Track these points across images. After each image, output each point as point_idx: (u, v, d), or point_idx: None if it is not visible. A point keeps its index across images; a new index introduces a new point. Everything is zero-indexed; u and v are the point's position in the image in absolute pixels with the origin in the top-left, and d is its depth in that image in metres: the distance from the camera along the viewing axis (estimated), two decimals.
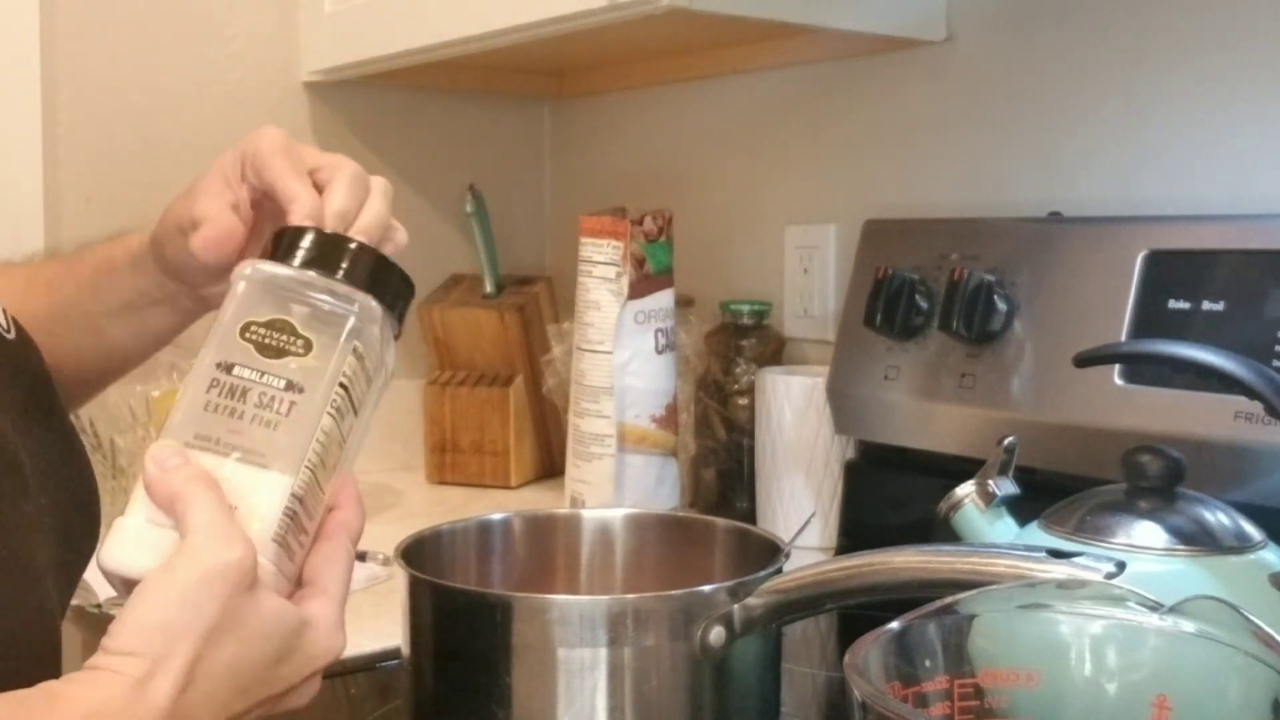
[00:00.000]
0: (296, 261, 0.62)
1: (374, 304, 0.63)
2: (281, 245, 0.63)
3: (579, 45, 1.37)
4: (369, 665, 0.90)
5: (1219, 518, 0.71)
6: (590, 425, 1.12)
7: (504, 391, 1.46)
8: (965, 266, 1.03)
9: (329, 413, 0.60)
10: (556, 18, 1.12)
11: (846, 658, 0.49)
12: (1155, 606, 0.52)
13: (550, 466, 1.50)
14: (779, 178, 1.39)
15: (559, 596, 0.77)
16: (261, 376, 0.59)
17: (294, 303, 0.61)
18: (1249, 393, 0.70)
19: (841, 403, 1.14)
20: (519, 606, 0.68)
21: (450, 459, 1.49)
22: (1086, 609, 0.54)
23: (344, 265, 0.62)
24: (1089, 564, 0.58)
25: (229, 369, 0.59)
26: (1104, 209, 1.06)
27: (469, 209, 1.54)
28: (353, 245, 0.64)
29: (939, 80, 1.21)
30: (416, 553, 0.76)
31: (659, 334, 1.13)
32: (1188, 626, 0.51)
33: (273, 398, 0.59)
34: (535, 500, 1.43)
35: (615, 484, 1.11)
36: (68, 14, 1.36)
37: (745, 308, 1.33)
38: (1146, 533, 0.70)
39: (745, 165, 1.43)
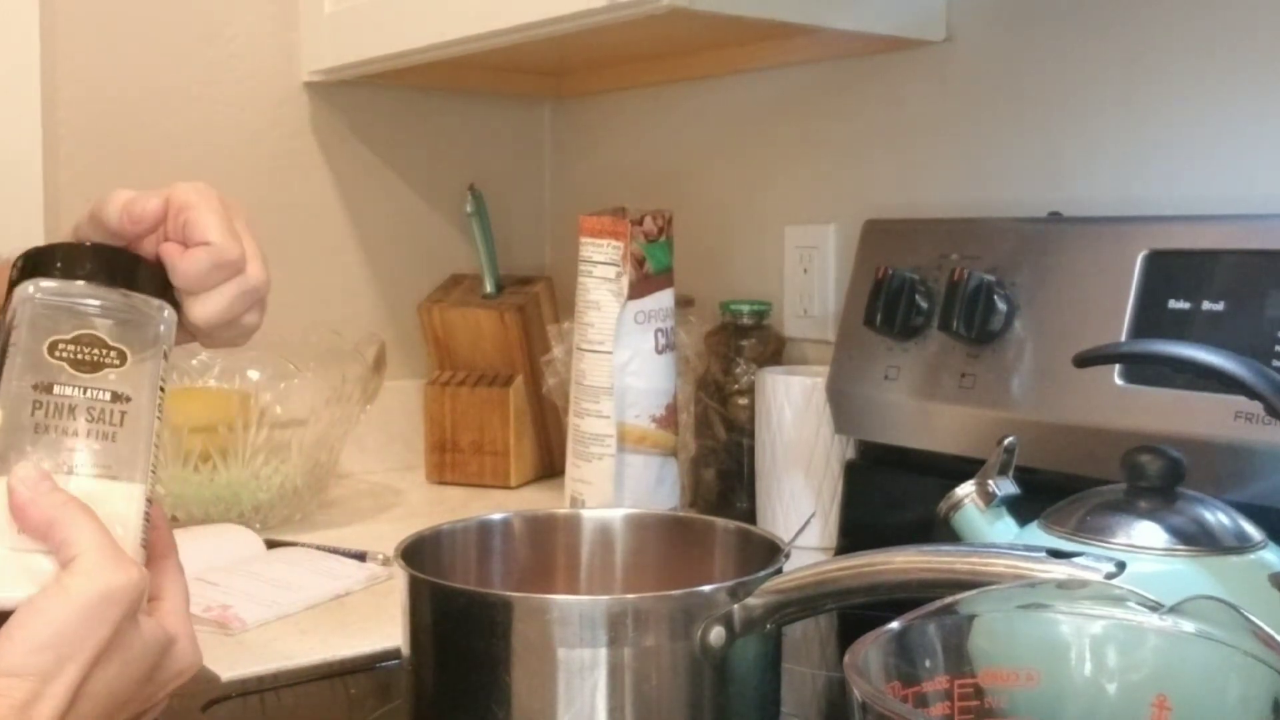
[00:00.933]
0: (82, 275, 0.62)
1: (169, 310, 0.64)
2: (57, 262, 0.63)
3: (579, 45, 1.37)
4: (369, 665, 0.90)
5: (1219, 518, 0.71)
6: (590, 425, 1.12)
7: (504, 391, 1.46)
8: (965, 266, 1.03)
9: (157, 417, 0.62)
10: (557, 18, 1.12)
11: (846, 658, 0.49)
12: (1155, 606, 0.52)
13: (550, 466, 1.50)
14: (779, 178, 1.39)
15: (559, 596, 0.77)
16: (85, 392, 0.60)
17: (95, 316, 0.62)
18: (1249, 393, 0.70)
19: (841, 403, 1.14)
20: (519, 606, 0.68)
21: (450, 459, 1.49)
22: (1086, 609, 0.54)
23: (132, 274, 0.63)
24: (1089, 564, 0.58)
25: (48, 389, 0.59)
26: (1104, 209, 1.06)
27: (469, 209, 1.54)
28: (130, 255, 0.65)
29: (939, 80, 1.21)
30: (416, 553, 0.76)
31: (659, 334, 1.13)
32: (1188, 626, 0.51)
33: (102, 410, 0.60)
34: (535, 500, 1.43)
35: (615, 484, 1.11)
36: (68, 14, 1.36)
37: (745, 308, 1.33)
38: (1146, 533, 0.70)
39: (745, 165, 1.43)
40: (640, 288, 1.11)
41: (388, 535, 0.94)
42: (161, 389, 0.63)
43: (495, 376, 1.49)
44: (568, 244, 1.29)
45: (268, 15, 1.47)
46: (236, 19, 1.46)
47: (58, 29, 1.35)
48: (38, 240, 0.69)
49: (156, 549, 0.62)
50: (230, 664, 0.86)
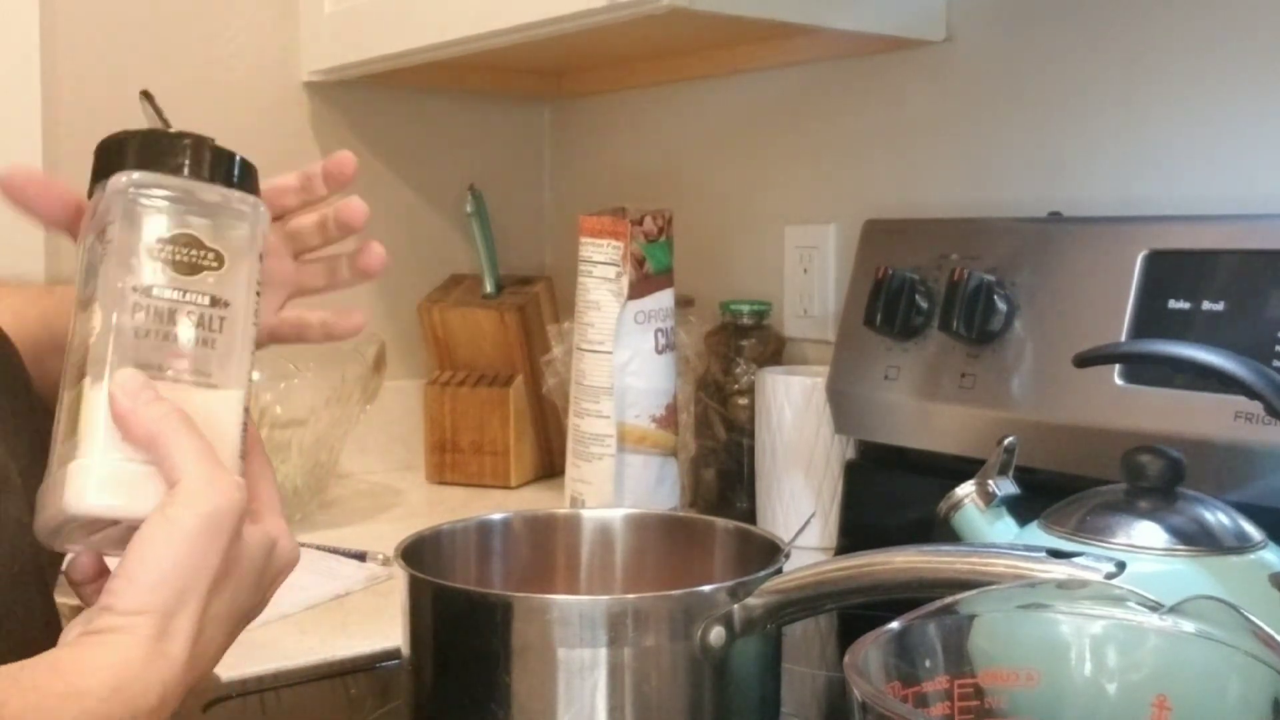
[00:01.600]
0: (179, 169, 0.59)
1: (264, 208, 0.62)
2: (151, 152, 0.59)
3: (579, 45, 1.37)
4: (369, 665, 0.90)
5: (1219, 518, 0.71)
6: (590, 425, 1.12)
7: (504, 391, 1.46)
8: (965, 266, 1.03)
9: (253, 322, 0.60)
10: (556, 18, 1.12)
11: (846, 658, 0.49)
12: (1155, 606, 0.52)
13: (550, 466, 1.50)
14: (779, 178, 1.39)
15: (559, 596, 0.77)
16: (184, 295, 0.57)
17: (191, 215, 0.59)
18: (1249, 393, 0.70)
19: (841, 403, 1.14)
20: (519, 606, 0.68)
21: (450, 459, 1.49)
22: (1086, 609, 0.54)
23: (228, 169, 0.60)
24: (1089, 564, 0.57)
25: (147, 291, 0.57)
26: (1104, 209, 1.06)
27: (469, 209, 1.54)
28: (225, 150, 0.61)
29: (939, 80, 1.21)
30: (416, 553, 0.76)
31: (659, 334, 1.13)
32: (1188, 626, 0.51)
33: (201, 315, 0.58)
34: (535, 500, 1.43)
35: (615, 484, 1.11)
36: (68, 14, 1.36)
37: (745, 308, 1.33)
38: (1146, 533, 0.70)
39: (745, 165, 1.43)
40: (640, 288, 1.11)
41: (388, 535, 0.94)
42: (257, 293, 0.60)
43: (495, 376, 1.49)
44: (568, 244, 1.29)
45: (268, 15, 1.47)
46: (236, 19, 1.46)
47: (58, 29, 1.35)
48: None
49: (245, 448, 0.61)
50: (230, 664, 0.86)
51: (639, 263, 1.11)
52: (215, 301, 0.58)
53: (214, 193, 0.59)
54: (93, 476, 0.55)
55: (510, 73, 1.60)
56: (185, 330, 0.57)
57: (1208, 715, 0.51)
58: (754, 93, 1.41)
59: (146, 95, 0.66)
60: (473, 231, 1.54)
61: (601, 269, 1.11)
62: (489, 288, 1.51)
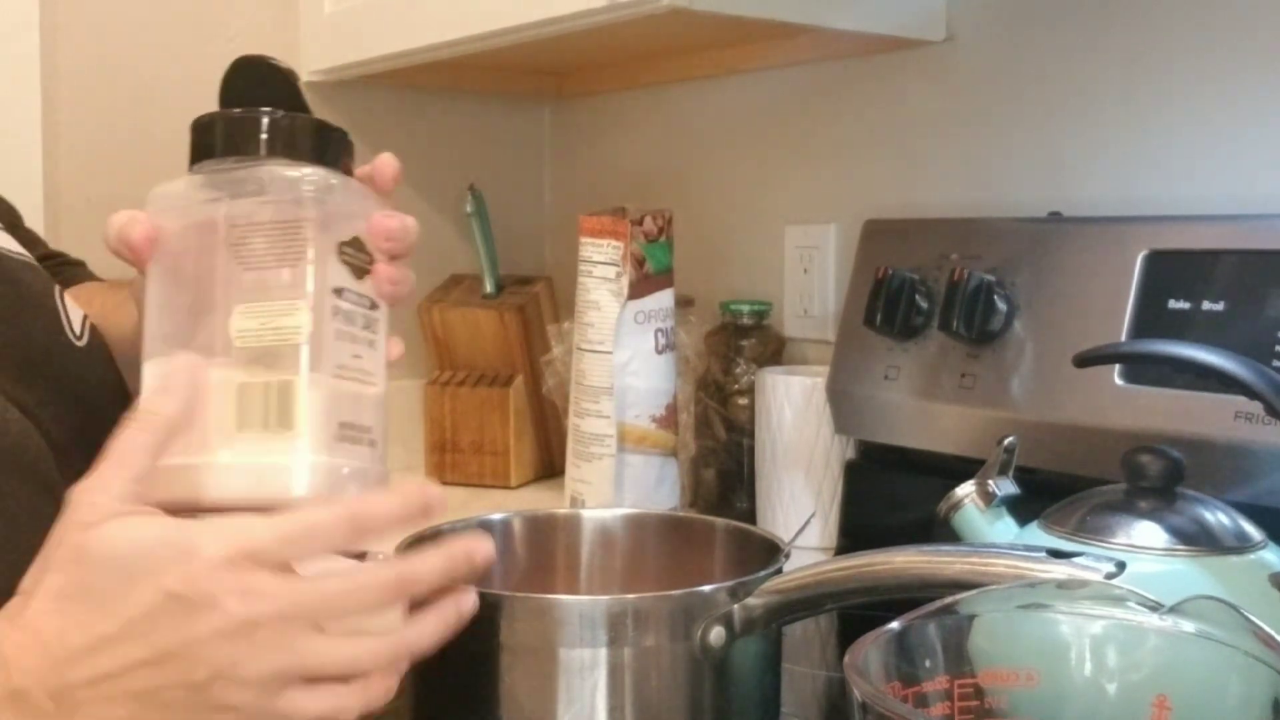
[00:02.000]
0: (352, 169, 0.60)
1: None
2: (322, 144, 0.58)
3: (579, 45, 1.37)
4: None
5: (1219, 518, 0.71)
6: (590, 425, 1.12)
7: (504, 391, 1.46)
8: (965, 266, 1.03)
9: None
10: (556, 18, 1.12)
11: (846, 658, 0.49)
12: (1155, 606, 0.52)
13: (550, 466, 1.50)
14: (779, 178, 1.39)
15: (559, 596, 0.77)
16: (359, 298, 0.59)
17: (359, 218, 0.59)
18: (1249, 393, 0.70)
19: (841, 403, 1.14)
20: (519, 606, 0.68)
21: (450, 459, 1.49)
22: (1086, 609, 0.54)
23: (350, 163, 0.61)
24: (1089, 564, 0.58)
25: (339, 294, 0.57)
26: (1104, 209, 1.06)
27: (469, 209, 1.54)
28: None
29: (939, 80, 1.21)
30: None
31: (659, 334, 1.13)
32: (1188, 627, 0.51)
33: (367, 319, 0.59)
34: (535, 500, 1.43)
35: (615, 484, 1.11)
36: (68, 13, 1.36)
37: (745, 308, 1.33)
38: (1146, 533, 0.70)
39: (745, 165, 1.43)
40: (640, 288, 1.11)
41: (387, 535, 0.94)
42: None
43: (495, 376, 1.49)
44: (568, 244, 1.29)
45: (268, 15, 1.47)
46: (236, 18, 1.46)
47: (58, 29, 1.35)
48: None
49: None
50: None
51: (639, 263, 1.11)
52: (373, 304, 0.59)
53: (365, 193, 0.60)
54: (313, 473, 0.55)
55: (510, 73, 1.60)
56: (360, 331, 0.58)
57: (1208, 715, 0.51)
58: (754, 93, 1.41)
59: (282, 70, 0.62)
60: (473, 231, 1.54)
61: (601, 269, 1.11)
62: (489, 288, 1.51)
